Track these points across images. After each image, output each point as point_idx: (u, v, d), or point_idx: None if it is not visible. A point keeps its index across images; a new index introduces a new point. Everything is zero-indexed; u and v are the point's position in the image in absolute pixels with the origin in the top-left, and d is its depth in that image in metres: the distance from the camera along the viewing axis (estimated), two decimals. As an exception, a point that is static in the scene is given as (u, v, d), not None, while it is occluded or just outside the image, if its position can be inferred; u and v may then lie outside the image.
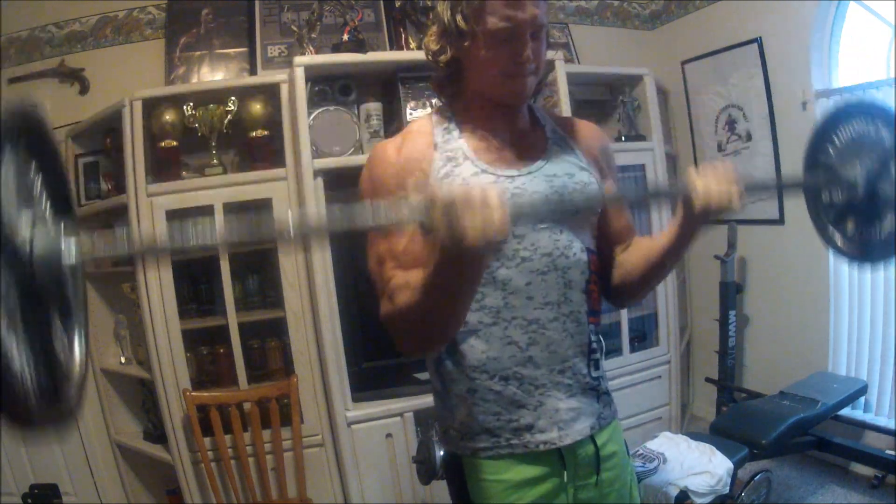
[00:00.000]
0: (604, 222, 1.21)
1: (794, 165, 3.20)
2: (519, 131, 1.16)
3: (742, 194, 0.97)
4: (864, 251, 1.25)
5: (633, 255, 1.20)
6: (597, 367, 1.15)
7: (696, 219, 1.03)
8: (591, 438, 1.13)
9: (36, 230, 0.67)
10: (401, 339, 1.03)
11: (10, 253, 0.63)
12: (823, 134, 1.27)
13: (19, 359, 0.62)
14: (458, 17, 1.05)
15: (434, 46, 1.12)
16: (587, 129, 1.25)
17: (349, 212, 0.80)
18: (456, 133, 1.12)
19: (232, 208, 2.48)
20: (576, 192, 1.11)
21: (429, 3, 2.73)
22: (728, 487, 2.25)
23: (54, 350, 0.71)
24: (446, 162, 1.09)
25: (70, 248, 0.69)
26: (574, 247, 1.11)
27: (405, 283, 0.98)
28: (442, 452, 1.89)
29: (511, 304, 1.07)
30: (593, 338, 1.14)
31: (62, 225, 0.71)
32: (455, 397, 1.12)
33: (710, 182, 0.98)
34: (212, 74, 2.87)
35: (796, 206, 3.06)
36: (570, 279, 1.10)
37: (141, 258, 2.34)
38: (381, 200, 1.00)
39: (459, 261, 0.85)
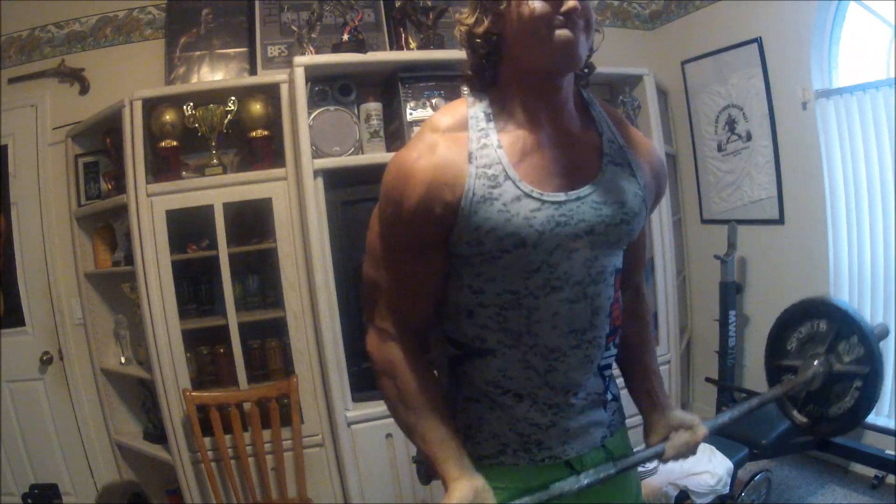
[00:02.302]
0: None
1: (793, 162, 3.18)
2: (569, 132, 1.03)
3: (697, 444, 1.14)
4: (817, 426, 1.52)
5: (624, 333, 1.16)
6: (605, 380, 1.12)
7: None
8: (602, 445, 1.10)
9: None
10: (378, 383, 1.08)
11: None
12: (778, 338, 1.60)
13: None
14: None
15: (469, 20, 1.00)
16: (649, 145, 1.14)
17: None
18: (493, 137, 0.98)
19: (232, 208, 2.48)
20: (623, 223, 1.02)
21: (429, 3, 2.73)
22: (728, 487, 2.25)
23: None
24: (484, 181, 0.95)
25: None
26: (606, 271, 1.03)
27: (394, 363, 1.04)
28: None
29: (534, 331, 1.00)
30: (607, 353, 1.09)
31: None
32: (465, 400, 1.09)
33: (678, 448, 1.13)
34: (212, 74, 2.87)
35: (797, 207, 3.06)
36: (598, 306, 1.03)
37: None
38: (398, 231, 0.99)
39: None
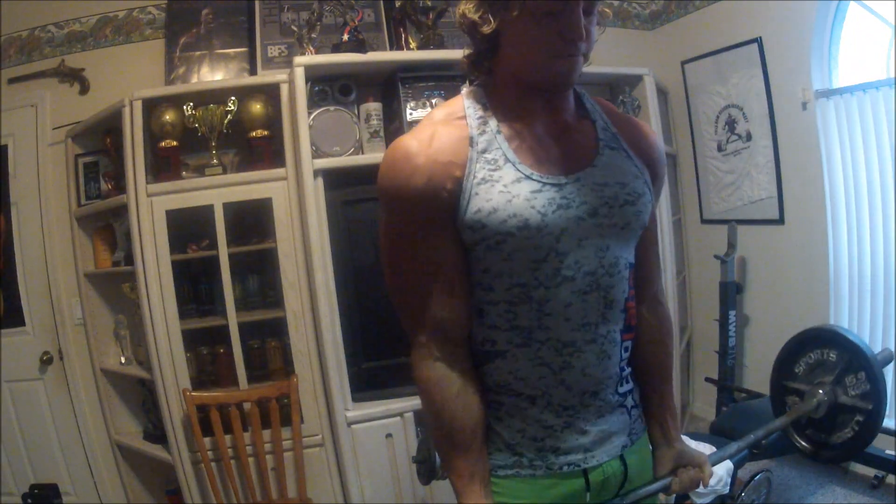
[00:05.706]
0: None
1: (793, 162, 3.18)
2: (564, 122, 1.03)
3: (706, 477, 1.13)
4: (819, 452, 1.62)
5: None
6: (625, 382, 1.08)
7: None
8: (621, 457, 1.07)
9: None
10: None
11: None
12: (783, 366, 1.71)
13: None
14: None
15: (474, 15, 0.96)
16: (643, 130, 1.12)
17: None
18: (493, 123, 0.98)
19: (232, 208, 2.48)
20: (627, 204, 1.00)
21: (429, 3, 2.73)
22: (728, 487, 2.24)
23: None
24: (484, 164, 0.95)
25: None
26: (619, 263, 1.01)
27: (431, 382, 1.01)
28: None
29: (546, 325, 0.97)
30: (625, 354, 1.07)
31: None
32: None
33: (685, 485, 1.12)
34: (212, 74, 2.87)
35: (797, 207, 3.06)
36: (612, 299, 1.00)
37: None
38: (407, 218, 0.97)
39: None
